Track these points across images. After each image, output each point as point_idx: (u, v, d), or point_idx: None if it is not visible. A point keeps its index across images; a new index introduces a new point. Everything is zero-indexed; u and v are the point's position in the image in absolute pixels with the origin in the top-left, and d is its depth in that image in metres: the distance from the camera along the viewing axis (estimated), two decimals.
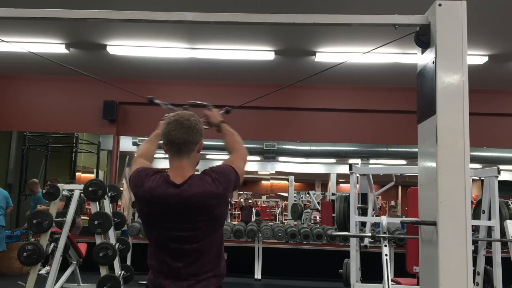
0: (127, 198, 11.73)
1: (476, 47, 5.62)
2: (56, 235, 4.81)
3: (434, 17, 1.86)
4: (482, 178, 4.92)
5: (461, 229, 1.74)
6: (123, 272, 4.93)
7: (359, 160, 10.13)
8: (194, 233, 1.76)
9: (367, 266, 5.28)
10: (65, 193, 4.88)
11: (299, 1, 4.63)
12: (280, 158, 10.64)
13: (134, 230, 6.67)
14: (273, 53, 6.01)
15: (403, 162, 10.65)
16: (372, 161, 10.48)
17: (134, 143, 9.47)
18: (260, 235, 7.09)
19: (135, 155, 2.05)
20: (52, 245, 4.60)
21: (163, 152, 1.88)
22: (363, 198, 8.32)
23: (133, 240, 6.46)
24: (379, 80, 7.20)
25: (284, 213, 14.86)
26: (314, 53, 6.00)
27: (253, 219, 11.03)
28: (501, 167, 4.77)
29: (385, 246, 4.05)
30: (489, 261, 4.60)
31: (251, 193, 14.75)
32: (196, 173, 1.84)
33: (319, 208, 11.64)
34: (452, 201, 1.75)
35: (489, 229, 4.63)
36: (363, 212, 6.13)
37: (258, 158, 12.84)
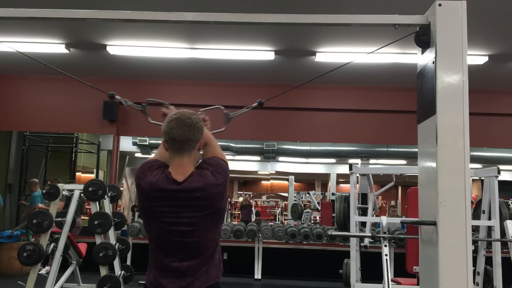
0: (127, 198, 11.74)
1: (476, 47, 5.62)
2: (56, 235, 4.81)
3: (434, 17, 1.86)
4: (482, 178, 4.92)
5: (461, 229, 1.74)
6: (123, 272, 4.93)
7: (359, 160, 10.13)
8: (194, 228, 1.78)
9: (367, 266, 5.28)
10: (65, 193, 4.88)
11: (299, 1, 4.63)
12: (280, 158, 10.64)
13: (134, 230, 6.67)
14: (273, 53, 6.01)
15: (403, 162, 10.65)
16: (372, 161, 10.48)
17: (134, 143, 9.48)
18: (260, 235, 7.09)
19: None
20: (52, 245, 4.60)
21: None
22: (363, 198, 8.32)
23: (133, 240, 6.46)
24: (379, 80, 7.20)
25: (284, 213, 14.86)
26: (314, 53, 5.99)
27: (253, 219, 11.04)
28: (501, 167, 4.77)
29: (385, 246, 4.05)
30: (489, 261, 4.60)
31: (251, 193, 14.76)
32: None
33: (319, 208, 11.64)
34: (452, 201, 1.75)
35: (489, 229, 4.63)
36: (363, 212, 6.13)
37: (258, 158, 12.85)
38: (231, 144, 9.94)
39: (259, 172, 14.13)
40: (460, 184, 1.76)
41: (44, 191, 4.76)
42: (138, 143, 9.86)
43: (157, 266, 1.83)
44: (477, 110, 5.36)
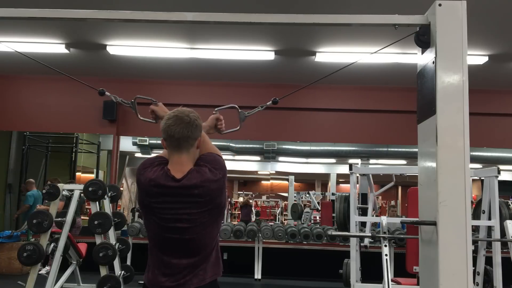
0: (127, 198, 11.74)
1: (476, 47, 5.62)
2: (56, 235, 4.81)
3: (434, 17, 1.86)
4: (482, 178, 4.92)
5: (461, 229, 1.74)
6: (123, 272, 4.93)
7: (359, 160, 10.13)
8: (193, 225, 1.78)
9: (367, 266, 5.28)
10: (65, 193, 4.88)
11: (299, 1, 4.63)
12: (280, 158, 10.64)
13: (134, 230, 6.67)
14: (273, 53, 6.01)
15: (403, 162, 10.65)
16: (372, 161, 10.47)
17: (134, 143, 9.49)
18: (260, 235, 7.09)
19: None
20: (52, 245, 4.60)
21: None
22: (363, 198, 8.32)
23: (133, 240, 6.46)
24: (379, 80, 7.20)
25: (284, 213, 14.86)
26: (314, 53, 6.00)
27: (253, 219, 11.04)
28: (501, 167, 4.77)
29: (385, 246, 4.05)
30: (489, 261, 4.60)
31: (251, 193, 14.76)
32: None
33: (319, 208, 11.64)
34: (452, 201, 1.75)
35: (489, 229, 4.63)
36: (363, 212, 6.13)
37: (258, 158, 12.85)
38: (231, 144, 9.94)
39: (259, 172, 14.12)
40: (460, 184, 1.76)
41: (44, 191, 4.76)
42: (138, 143, 9.86)
43: (155, 264, 1.84)
44: (477, 110, 5.36)
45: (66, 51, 6.13)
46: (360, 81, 7.21)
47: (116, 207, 7.57)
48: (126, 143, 9.04)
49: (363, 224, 5.77)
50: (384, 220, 4.47)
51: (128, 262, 5.92)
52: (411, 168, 5.34)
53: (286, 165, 11.91)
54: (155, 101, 2.18)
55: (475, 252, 4.68)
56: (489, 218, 4.59)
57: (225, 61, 6.43)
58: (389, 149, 9.53)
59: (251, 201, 11.62)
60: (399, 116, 7.24)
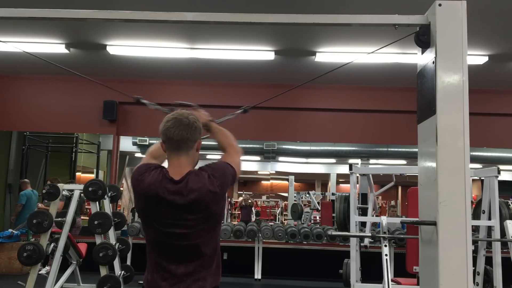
0: (127, 198, 11.74)
1: (476, 47, 5.62)
2: (56, 235, 4.81)
3: (434, 17, 1.86)
4: (482, 178, 4.92)
5: (461, 229, 1.74)
6: (123, 272, 4.93)
7: (359, 160, 10.13)
8: (191, 231, 1.76)
9: (367, 266, 5.28)
10: (65, 193, 4.88)
11: (299, 1, 4.63)
12: (280, 158, 10.65)
13: (134, 230, 6.67)
14: (273, 53, 6.01)
15: (403, 162, 10.65)
16: (372, 161, 10.47)
17: (134, 143, 9.49)
18: (260, 235, 7.09)
19: (146, 152, 2.05)
20: (52, 245, 4.60)
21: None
22: (363, 198, 8.32)
23: (133, 240, 6.46)
24: (379, 80, 7.20)
25: (284, 213, 14.85)
26: (314, 53, 6.00)
27: (253, 219, 11.03)
28: (501, 167, 4.77)
29: (385, 246, 4.05)
30: (489, 261, 4.60)
31: (251, 193, 14.75)
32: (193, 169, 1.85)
33: (319, 208, 11.64)
34: (452, 201, 1.75)
35: (489, 229, 4.63)
36: (363, 212, 6.13)
37: (258, 158, 12.84)
38: None
39: (259, 172, 14.12)
40: (460, 184, 1.76)
41: (44, 191, 4.76)
42: (138, 143, 9.86)
43: (154, 268, 1.82)
44: (477, 110, 5.36)
45: (66, 51, 6.13)
46: (360, 81, 7.21)
47: (116, 207, 7.57)
48: (126, 143, 9.04)
49: (363, 224, 5.77)
50: (384, 220, 4.47)
51: (128, 262, 5.92)
52: (411, 168, 5.33)
53: (286, 165, 11.91)
54: (196, 105, 2.13)
55: (475, 252, 4.68)
56: (489, 218, 4.59)
57: (225, 61, 6.43)
58: (389, 149, 9.53)
59: (250, 201, 11.61)
60: (399, 116, 7.24)
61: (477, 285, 4.63)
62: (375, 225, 6.29)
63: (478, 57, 5.87)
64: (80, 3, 4.37)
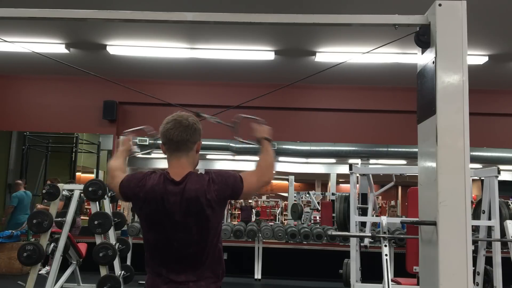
0: None
1: (476, 47, 5.62)
2: (56, 235, 4.81)
3: (434, 17, 1.86)
4: (482, 178, 4.92)
5: (461, 229, 1.74)
6: (123, 272, 4.93)
7: (359, 160, 10.11)
8: (191, 235, 1.75)
9: (367, 266, 5.28)
10: (65, 193, 4.88)
11: (299, 1, 4.63)
12: (280, 158, 10.63)
13: (134, 230, 6.67)
14: (273, 53, 6.01)
15: (403, 162, 10.64)
16: (372, 161, 10.45)
17: (134, 143, 9.48)
18: (260, 235, 7.09)
19: (109, 170, 2.00)
20: (52, 245, 4.60)
21: (162, 152, 1.88)
22: (363, 198, 8.31)
23: (133, 240, 6.45)
24: (379, 80, 7.20)
25: (284, 213, 14.85)
26: (314, 53, 6.00)
27: (253, 219, 11.04)
28: (501, 167, 4.77)
29: (385, 246, 4.05)
30: (489, 261, 4.60)
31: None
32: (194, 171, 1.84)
33: (319, 208, 11.64)
34: (452, 201, 1.75)
35: (489, 229, 4.63)
36: (363, 212, 6.13)
37: (258, 158, 12.81)
38: (231, 144, 9.93)
39: None
40: (460, 184, 1.76)
41: (44, 191, 4.76)
42: (138, 143, 9.84)
43: (155, 276, 1.81)
44: (477, 110, 5.36)
45: (66, 51, 6.14)
46: (360, 81, 7.21)
47: (116, 207, 7.57)
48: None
49: (363, 224, 5.76)
50: (384, 220, 4.47)
51: (128, 262, 5.92)
52: (411, 168, 5.33)
53: (286, 165, 11.91)
54: (262, 121, 2.06)
55: (475, 252, 4.68)
56: (489, 218, 4.59)
57: (225, 61, 6.43)
58: (389, 149, 9.51)
59: (250, 200, 11.62)
60: (399, 116, 7.24)
61: (477, 285, 4.63)
62: (375, 225, 6.29)
63: (478, 57, 5.87)
64: (80, 3, 4.37)
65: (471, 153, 1.80)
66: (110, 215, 4.68)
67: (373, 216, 5.57)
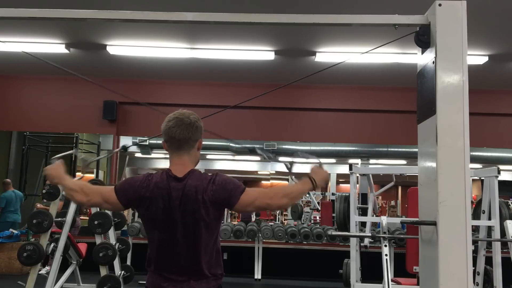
0: None
1: (476, 47, 5.62)
2: (56, 235, 4.81)
3: (434, 17, 1.86)
4: (482, 178, 4.92)
5: (461, 229, 1.74)
6: (123, 272, 4.93)
7: (359, 160, 10.12)
8: (188, 233, 1.76)
9: (367, 266, 5.28)
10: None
11: (299, 1, 4.63)
12: (280, 158, 10.64)
13: (134, 230, 6.67)
14: (273, 53, 6.01)
15: (403, 162, 10.64)
16: (372, 161, 10.46)
17: (134, 143, 9.48)
18: (260, 235, 7.09)
19: (79, 189, 1.87)
20: (52, 245, 4.60)
21: (165, 151, 1.88)
22: (363, 198, 8.32)
23: (133, 240, 6.46)
24: (379, 80, 7.20)
25: (284, 213, 14.82)
26: (314, 53, 6.00)
27: (253, 219, 11.03)
28: (501, 167, 4.77)
29: (385, 246, 4.05)
30: (489, 261, 4.60)
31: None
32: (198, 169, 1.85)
33: (319, 208, 11.64)
34: (452, 201, 1.75)
35: (489, 229, 4.63)
36: (363, 212, 6.13)
37: (258, 158, 12.84)
38: (231, 144, 9.94)
39: (259, 172, 14.12)
40: (460, 184, 1.76)
41: (44, 191, 4.76)
42: (138, 143, 9.85)
43: (157, 271, 1.82)
44: (477, 110, 5.36)
45: (66, 51, 6.13)
46: (360, 81, 7.21)
47: None
48: (126, 143, 9.03)
49: (363, 224, 5.77)
50: (384, 220, 4.47)
51: (128, 262, 5.92)
52: (411, 168, 5.33)
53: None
54: (320, 163, 1.96)
55: (475, 252, 4.67)
56: (489, 218, 4.59)
57: (225, 61, 6.43)
58: (389, 149, 9.52)
59: None
60: (399, 116, 7.24)
61: (477, 285, 4.63)
62: (375, 225, 6.29)
63: (478, 57, 5.87)
64: (80, 3, 4.37)
65: (471, 153, 1.80)
66: (110, 215, 4.68)
67: (373, 216, 5.56)
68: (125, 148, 1.94)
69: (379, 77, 7.00)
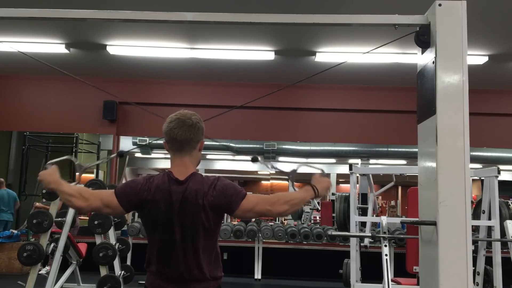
0: None
1: (476, 47, 5.62)
2: (56, 235, 4.81)
3: (434, 17, 1.86)
4: (482, 178, 4.92)
5: (461, 229, 1.74)
6: (123, 272, 4.93)
7: (359, 160, 10.12)
8: (188, 234, 1.76)
9: (367, 266, 5.28)
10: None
11: (299, 1, 4.63)
12: (280, 158, 10.64)
13: (134, 230, 6.67)
14: (273, 53, 6.01)
15: (403, 162, 10.64)
16: (372, 161, 10.46)
17: (134, 143, 9.49)
18: (260, 235, 7.09)
19: (78, 194, 1.83)
20: (52, 245, 4.60)
21: (166, 151, 1.88)
22: (363, 198, 8.32)
23: (133, 240, 6.46)
24: (379, 80, 7.20)
25: None
26: (314, 53, 6.00)
27: (253, 219, 11.03)
28: (501, 167, 4.77)
29: (385, 246, 4.05)
30: (489, 261, 4.60)
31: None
32: (199, 172, 1.84)
33: (319, 208, 11.63)
34: (452, 201, 1.75)
35: (489, 229, 4.63)
36: (363, 212, 6.13)
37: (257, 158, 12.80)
38: (231, 144, 9.94)
39: (259, 172, 14.12)
40: (460, 184, 1.76)
41: (44, 191, 4.76)
42: (138, 143, 9.85)
43: (157, 272, 1.81)
44: (477, 110, 5.36)
45: (66, 51, 6.13)
46: (360, 81, 7.21)
47: None
48: (126, 143, 9.03)
49: (363, 224, 5.77)
50: (384, 220, 4.46)
51: (128, 262, 5.92)
52: (411, 168, 5.33)
53: (286, 165, 11.91)
54: (324, 172, 1.97)
55: (475, 252, 4.67)
56: (489, 218, 4.59)
57: (225, 61, 6.43)
58: (389, 149, 9.52)
59: None
60: (399, 116, 7.24)
61: (477, 285, 4.63)
62: (375, 225, 6.29)
63: (478, 57, 5.87)
64: (80, 3, 4.37)
65: (471, 153, 1.80)
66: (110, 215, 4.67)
67: (373, 216, 5.56)
68: (121, 154, 1.91)
69: (379, 77, 7.00)
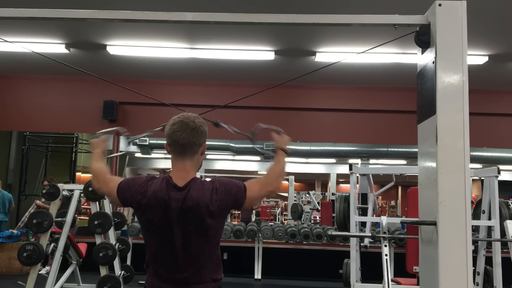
0: None
1: (476, 47, 5.62)
2: (56, 235, 4.81)
3: (434, 17, 1.86)
4: (482, 178, 4.92)
5: (461, 229, 1.74)
6: (123, 272, 4.92)
7: (359, 160, 10.13)
8: (190, 241, 1.74)
9: (367, 266, 5.28)
10: (65, 193, 4.88)
11: (299, 1, 4.63)
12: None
13: (134, 230, 6.67)
14: (273, 53, 6.01)
15: (403, 162, 10.65)
16: (372, 161, 10.47)
17: (134, 143, 9.50)
18: (260, 235, 7.09)
19: (96, 174, 1.95)
20: (52, 245, 4.59)
21: (166, 152, 1.88)
22: (363, 198, 8.32)
23: (133, 240, 6.45)
24: (379, 80, 7.20)
25: (284, 213, 14.85)
26: (314, 53, 6.00)
27: (253, 219, 11.03)
28: (501, 167, 4.77)
29: (385, 246, 4.05)
30: (489, 261, 4.60)
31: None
32: (199, 177, 1.82)
33: (319, 208, 11.65)
34: (452, 201, 1.75)
35: (489, 229, 4.63)
36: (363, 212, 6.13)
37: (258, 158, 12.84)
38: (231, 144, 9.94)
39: (259, 172, 14.12)
40: (460, 184, 1.76)
41: (44, 191, 4.77)
42: (138, 143, 9.86)
43: (156, 274, 1.81)
44: (477, 110, 5.36)
45: (66, 51, 6.13)
46: (360, 81, 7.21)
47: (116, 207, 7.56)
48: (126, 144, 9.05)
49: (363, 224, 5.77)
50: (384, 220, 4.47)
51: (128, 262, 5.92)
52: (411, 168, 5.33)
53: (286, 165, 11.91)
54: (281, 131, 2.06)
55: (475, 252, 4.68)
56: (489, 218, 4.59)
57: (225, 61, 6.43)
58: (389, 149, 9.53)
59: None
60: (399, 116, 7.24)
61: (477, 285, 4.63)
62: (375, 225, 6.29)
63: (478, 57, 5.87)
64: (80, 3, 4.37)
65: (471, 153, 1.80)
66: (110, 215, 4.67)
67: (373, 216, 5.57)
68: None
69: (379, 77, 7.00)
